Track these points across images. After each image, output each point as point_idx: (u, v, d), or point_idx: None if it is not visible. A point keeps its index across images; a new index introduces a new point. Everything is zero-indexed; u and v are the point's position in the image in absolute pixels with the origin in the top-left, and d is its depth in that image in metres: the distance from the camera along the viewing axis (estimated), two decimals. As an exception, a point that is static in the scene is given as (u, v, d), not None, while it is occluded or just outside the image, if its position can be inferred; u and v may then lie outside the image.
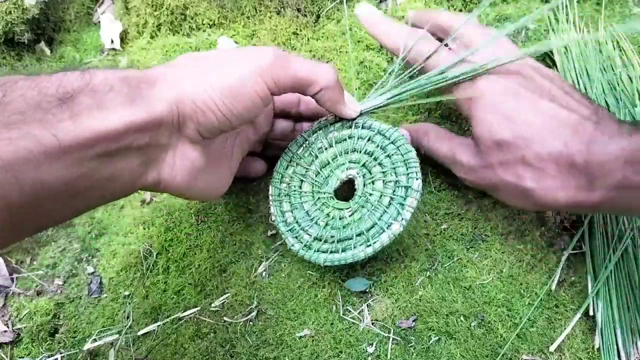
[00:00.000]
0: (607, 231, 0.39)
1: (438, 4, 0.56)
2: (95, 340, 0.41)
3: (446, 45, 0.38)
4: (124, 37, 0.58)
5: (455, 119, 0.47)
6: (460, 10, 0.56)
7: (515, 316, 0.38)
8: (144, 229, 0.47)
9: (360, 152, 0.39)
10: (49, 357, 0.41)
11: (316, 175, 0.40)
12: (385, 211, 0.36)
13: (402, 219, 0.35)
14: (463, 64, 0.36)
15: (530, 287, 0.39)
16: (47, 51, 0.59)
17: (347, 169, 0.39)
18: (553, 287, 0.39)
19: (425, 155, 0.41)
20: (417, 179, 0.36)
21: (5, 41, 0.56)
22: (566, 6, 0.51)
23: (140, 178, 0.31)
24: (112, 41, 0.58)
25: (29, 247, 0.48)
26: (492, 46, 0.36)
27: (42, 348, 0.41)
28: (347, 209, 0.38)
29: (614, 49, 0.48)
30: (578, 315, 0.38)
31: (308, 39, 0.55)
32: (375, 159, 0.38)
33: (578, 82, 0.45)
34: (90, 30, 0.61)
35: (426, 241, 0.42)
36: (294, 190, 0.40)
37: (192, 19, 0.56)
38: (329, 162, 0.40)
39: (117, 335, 0.41)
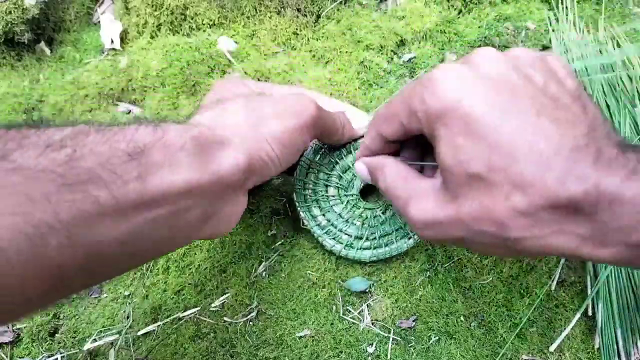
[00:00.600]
0: (607, 231, 0.39)
1: (438, 4, 0.56)
2: (95, 340, 0.41)
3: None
4: (124, 37, 0.58)
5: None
6: (460, 11, 0.56)
7: (515, 316, 0.38)
8: (144, 229, 0.47)
9: None
10: (49, 357, 0.41)
11: (339, 180, 0.41)
12: None
13: None
14: None
15: (530, 287, 0.39)
16: (47, 51, 0.59)
17: None
18: (553, 287, 0.39)
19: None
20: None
21: (5, 41, 0.56)
22: (566, 6, 0.51)
23: (198, 232, 0.30)
24: (112, 41, 0.58)
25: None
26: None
27: (42, 348, 0.41)
28: (377, 208, 0.41)
29: (614, 48, 0.48)
30: (578, 316, 0.38)
31: (308, 39, 0.55)
32: None
33: (578, 82, 0.45)
34: (90, 30, 0.61)
35: (426, 241, 0.42)
36: (322, 195, 0.41)
37: (192, 19, 0.56)
38: (349, 167, 0.41)
39: (117, 335, 0.41)
